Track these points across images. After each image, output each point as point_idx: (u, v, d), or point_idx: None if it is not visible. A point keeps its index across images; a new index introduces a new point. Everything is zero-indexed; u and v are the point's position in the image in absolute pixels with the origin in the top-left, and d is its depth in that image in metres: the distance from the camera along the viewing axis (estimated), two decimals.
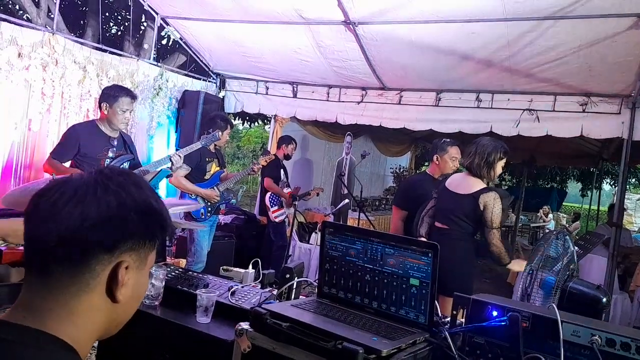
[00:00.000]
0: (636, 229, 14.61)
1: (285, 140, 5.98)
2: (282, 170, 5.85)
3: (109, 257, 0.79)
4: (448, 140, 3.60)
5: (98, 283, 0.79)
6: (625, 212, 7.15)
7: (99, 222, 0.77)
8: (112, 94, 3.51)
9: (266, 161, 4.83)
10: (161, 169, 3.76)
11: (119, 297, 0.81)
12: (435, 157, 3.63)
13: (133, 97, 3.60)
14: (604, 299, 1.90)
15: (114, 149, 3.60)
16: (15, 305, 0.79)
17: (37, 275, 0.79)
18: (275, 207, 5.70)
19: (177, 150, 4.53)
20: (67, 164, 3.50)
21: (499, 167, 3.25)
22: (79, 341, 0.78)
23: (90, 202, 0.78)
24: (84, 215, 0.77)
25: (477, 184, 3.21)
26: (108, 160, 3.55)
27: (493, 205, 3.12)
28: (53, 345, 0.75)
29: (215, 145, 4.57)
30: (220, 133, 4.42)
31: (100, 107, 3.55)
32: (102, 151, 3.53)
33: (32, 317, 0.76)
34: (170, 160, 3.74)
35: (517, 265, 3.19)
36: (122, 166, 3.60)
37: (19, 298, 0.80)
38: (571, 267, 2.08)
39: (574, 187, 20.94)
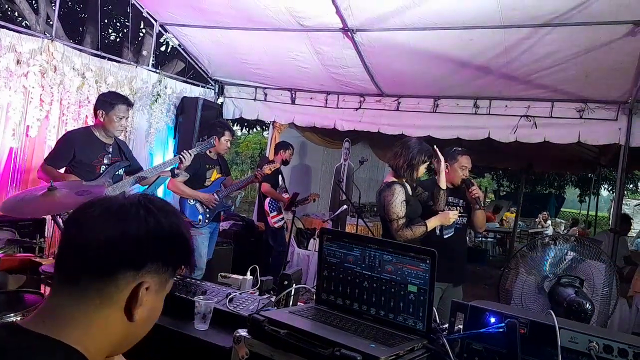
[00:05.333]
0: (634, 235, 14.61)
1: (282, 145, 5.99)
2: (280, 176, 5.85)
3: (134, 274, 0.83)
4: (459, 149, 3.56)
5: (120, 298, 0.83)
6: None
7: (135, 239, 0.82)
8: (108, 101, 3.50)
9: (270, 169, 4.81)
10: (159, 177, 3.76)
11: (135, 316, 0.85)
12: (445, 165, 3.62)
13: (129, 104, 3.59)
14: (587, 305, 1.90)
15: (109, 155, 3.58)
16: (38, 310, 0.83)
17: (65, 283, 0.82)
18: (275, 213, 5.70)
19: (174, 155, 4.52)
20: (62, 170, 3.50)
21: (422, 169, 3.31)
22: (93, 353, 0.81)
23: (132, 219, 0.83)
24: (124, 231, 0.81)
25: (384, 182, 3.30)
26: (103, 166, 3.53)
27: (386, 196, 3.18)
28: (66, 354, 0.77)
29: (217, 152, 4.56)
30: (216, 139, 4.42)
31: (95, 114, 3.53)
32: (97, 157, 3.52)
33: (51, 324, 0.79)
34: (180, 158, 3.74)
35: (438, 219, 3.22)
36: (117, 173, 3.60)
37: (43, 304, 0.83)
38: (573, 274, 2.09)
39: (571, 193, 20.99)
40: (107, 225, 0.82)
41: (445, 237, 3.35)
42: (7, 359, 0.74)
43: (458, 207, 3.51)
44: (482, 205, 3.55)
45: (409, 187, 3.30)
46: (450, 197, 3.50)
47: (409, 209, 3.20)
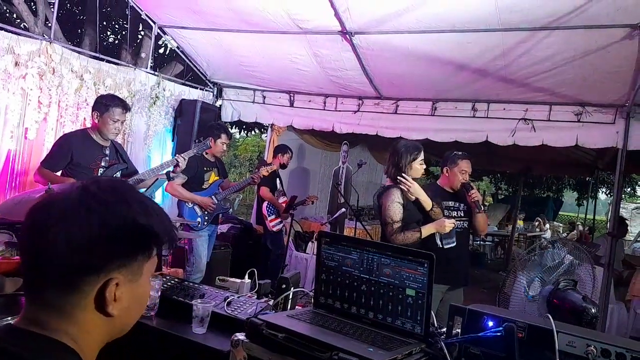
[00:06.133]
0: (632, 239, 14.63)
1: (281, 149, 5.99)
2: (277, 180, 5.85)
3: (95, 277, 0.79)
4: (459, 153, 3.54)
5: (89, 302, 0.80)
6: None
7: (82, 246, 0.76)
8: (104, 103, 3.47)
9: (267, 171, 4.82)
10: (157, 179, 3.75)
11: (111, 313, 0.81)
12: (445, 170, 3.57)
13: (125, 107, 3.54)
14: (593, 310, 1.90)
15: (107, 158, 3.56)
16: (20, 317, 0.81)
17: (33, 292, 0.80)
18: (273, 216, 5.70)
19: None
20: (59, 174, 3.46)
21: (416, 166, 3.26)
22: (83, 348, 0.80)
23: (73, 225, 0.77)
24: (68, 239, 0.76)
25: (383, 185, 3.31)
26: (101, 169, 3.50)
27: (384, 199, 3.18)
28: (68, 353, 0.77)
29: (213, 154, 4.57)
30: (212, 141, 4.42)
31: (92, 115, 3.51)
32: (95, 161, 3.49)
33: (34, 327, 0.78)
34: (177, 162, 3.73)
35: (434, 227, 3.20)
36: (114, 175, 3.57)
37: (23, 310, 0.81)
38: (565, 276, 2.09)
39: (570, 196, 21.00)
40: (51, 236, 0.76)
41: (445, 247, 3.33)
42: (12, 359, 0.73)
43: (459, 211, 3.51)
44: (482, 208, 3.55)
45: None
46: (450, 202, 3.49)
47: (406, 213, 3.18)
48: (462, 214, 3.52)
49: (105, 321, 0.82)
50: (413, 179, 3.29)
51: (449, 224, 3.20)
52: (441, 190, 3.56)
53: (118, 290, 0.81)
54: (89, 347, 0.82)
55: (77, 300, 0.79)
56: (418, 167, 3.27)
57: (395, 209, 3.15)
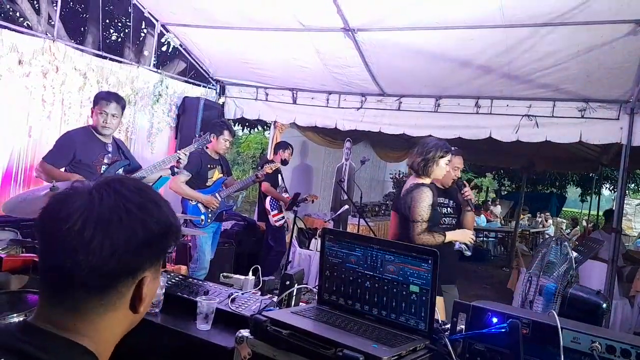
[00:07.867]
0: (636, 234, 14.57)
1: (281, 145, 6.01)
2: (279, 176, 5.86)
3: (133, 278, 0.81)
4: (452, 148, 3.55)
5: (123, 302, 0.82)
6: (624, 217, 7.16)
7: (128, 251, 0.78)
8: (98, 99, 3.49)
9: (271, 169, 4.85)
10: (162, 176, 3.75)
11: (140, 310, 0.84)
12: None
13: (119, 101, 3.54)
14: (604, 305, 1.90)
15: (109, 155, 3.56)
16: (35, 315, 0.81)
17: (60, 297, 0.79)
18: (276, 211, 5.71)
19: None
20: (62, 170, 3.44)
21: (442, 164, 3.26)
22: (101, 351, 0.81)
23: (118, 231, 0.77)
24: (114, 246, 0.77)
25: (413, 183, 3.26)
26: (104, 166, 3.50)
27: (417, 198, 3.15)
28: (77, 352, 0.78)
29: (217, 151, 4.57)
30: (215, 137, 4.43)
31: (91, 113, 3.53)
32: (98, 158, 3.49)
33: (52, 327, 0.78)
34: (178, 158, 3.73)
35: (458, 235, 3.24)
36: (117, 172, 3.56)
37: (39, 309, 0.81)
38: (570, 273, 2.09)
39: (573, 192, 20.94)
40: (95, 243, 0.76)
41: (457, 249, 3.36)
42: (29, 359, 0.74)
43: (448, 208, 3.50)
44: (473, 207, 3.55)
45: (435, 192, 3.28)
46: (441, 198, 3.47)
47: (432, 214, 3.18)
48: (452, 211, 3.51)
49: (129, 318, 0.85)
50: (434, 177, 3.30)
51: (472, 237, 3.28)
52: (434, 186, 3.53)
53: (146, 287, 0.84)
54: (107, 348, 0.83)
55: (113, 301, 0.81)
56: (444, 165, 3.29)
57: (427, 208, 3.14)
